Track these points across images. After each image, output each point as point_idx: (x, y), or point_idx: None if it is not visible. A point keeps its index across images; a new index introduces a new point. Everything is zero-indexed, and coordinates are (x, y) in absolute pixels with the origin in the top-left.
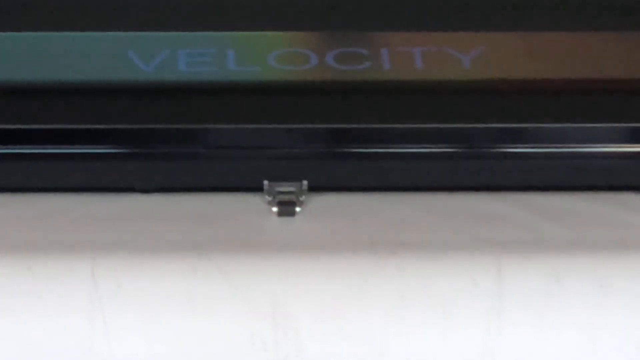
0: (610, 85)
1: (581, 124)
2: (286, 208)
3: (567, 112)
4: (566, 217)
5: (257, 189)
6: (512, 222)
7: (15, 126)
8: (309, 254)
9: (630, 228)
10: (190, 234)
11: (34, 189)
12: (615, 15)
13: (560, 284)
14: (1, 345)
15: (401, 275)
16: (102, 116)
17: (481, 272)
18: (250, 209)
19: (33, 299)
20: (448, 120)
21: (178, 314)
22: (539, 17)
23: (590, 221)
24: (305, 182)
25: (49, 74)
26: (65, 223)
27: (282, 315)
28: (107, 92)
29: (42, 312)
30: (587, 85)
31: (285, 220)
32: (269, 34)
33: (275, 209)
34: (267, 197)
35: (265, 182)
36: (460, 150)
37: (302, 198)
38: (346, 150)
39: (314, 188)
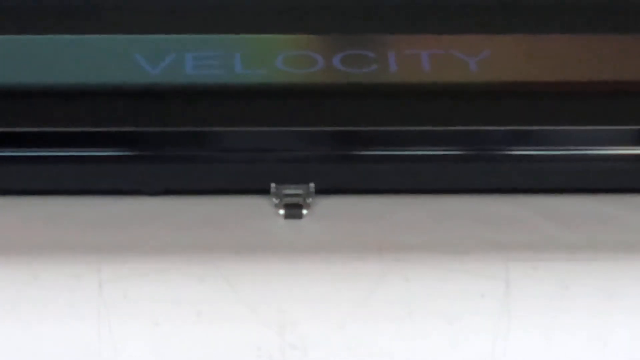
0: (619, 87)
1: (590, 126)
2: (293, 211)
3: (575, 114)
4: (575, 220)
5: (264, 191)
6: (521, 226)
7: (22, 129)
8: (315, 257)
9: None
10: (197, 237)
11: (40, 192)
12: (623, 18)
13: (568, 289)
14: (6, 354)
15: (408, 282)
16: (109, 119)
17: (489, 278)
18: (257, 212)
19: (39, 306)
20: (455, 123)
21: (184, 321)
22: (546, 19)
23: (600, 224)
24: (312, 185)
25: (56, 77)
26: (72, 226)
27: (288, 323)
28: (114, 94)
29: (48, 320)
30: (595, 88)
31: (292, 222)
32: (276, 36)
33: (282, 212)
34: (274, 199)
35: (272, 185)
36: (467, 152)
37: (309, 200)
38: (352, 152)
39: (321, 190)
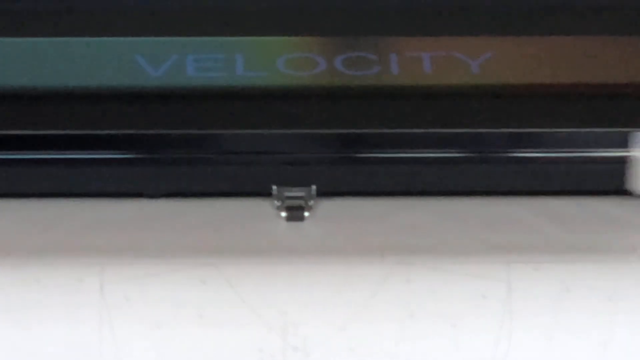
0: (622, 89)
1: (592, 129)
2: (295, 213)
3: (577, 117)
4: (576, 222)
5: (266, 194)
6: (522, 227)
7: (23, 131)
8: (317, 259)
9: None
10: (198, 239)
11: (42, 195)
12: (627, 20)
13: (570, 291)
14: (8, 356)
15: (410, 283)
16: (109, 121)
17: (491, 280)
18: (259, 214)
19: (41, 309)
20: (457, 125)
21: (186, 323)
22: (548, 21)
23: (602, 226)
24: (314, 187)
25: (56, 80)
26: (73, 229)
27: (290, 325)
28: (115, 97)
29: (49, 322)
30: (597, 90)
31: (294, 225)
32: (277, 38)
33: (284, 214)
34: (275, 202)
35: (274, 187)
36: (469, 155)
37: (311, 203)
38: (354, 155)
39: (323, 193)
